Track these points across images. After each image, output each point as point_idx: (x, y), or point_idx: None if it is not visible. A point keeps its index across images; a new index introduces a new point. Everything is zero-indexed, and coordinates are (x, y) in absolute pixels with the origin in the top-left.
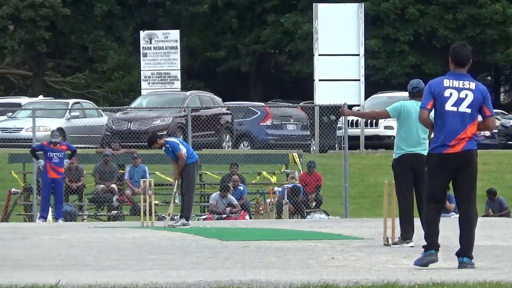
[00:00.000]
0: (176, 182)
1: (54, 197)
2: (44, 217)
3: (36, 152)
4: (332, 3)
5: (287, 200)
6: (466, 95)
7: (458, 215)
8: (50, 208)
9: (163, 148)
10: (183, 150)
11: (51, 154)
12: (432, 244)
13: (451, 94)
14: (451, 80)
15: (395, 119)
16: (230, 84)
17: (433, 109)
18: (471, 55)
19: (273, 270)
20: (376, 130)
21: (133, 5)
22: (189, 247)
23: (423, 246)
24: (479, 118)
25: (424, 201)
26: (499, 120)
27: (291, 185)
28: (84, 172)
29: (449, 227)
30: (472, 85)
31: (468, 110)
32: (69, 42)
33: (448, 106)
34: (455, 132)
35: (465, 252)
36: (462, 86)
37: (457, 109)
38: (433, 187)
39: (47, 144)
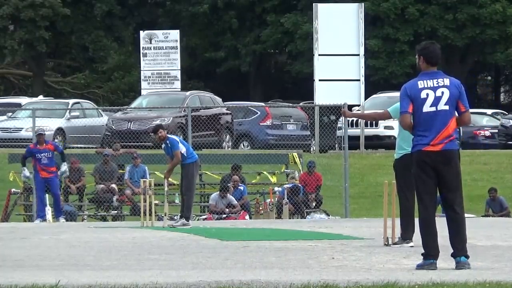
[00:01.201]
0: (166, 181)
1: (51, 196)
2: (41, 217)
3: (26, 159)
4: (332, 3)
5: (287, 200)
6: (443, 93)
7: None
8: (50, 208)
9: (163, 146)
10: (182, 149)
11: (39, 155)
12: (429, 253)
13: (427, 95)
14: (424, 81)
15: (396, 119)
16: (230, 84)
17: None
18: (441, 53)
19: (273, 270)
20: (376, 130)
21: (133, 5)
22: (189, 247)
23: (422, 254)
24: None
25: (419, 209)
26: (499, 120)
27: (291, 185)
28: (85, 172)
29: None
30: (447, 81)
31: (446, 107)
32: (69, 42)
33: (427, 107)
34: (437, 131)
35: (461, 251)
36: (437, 85)
37: (436, 108)
38: (421, 194)
39: (33, 146)
